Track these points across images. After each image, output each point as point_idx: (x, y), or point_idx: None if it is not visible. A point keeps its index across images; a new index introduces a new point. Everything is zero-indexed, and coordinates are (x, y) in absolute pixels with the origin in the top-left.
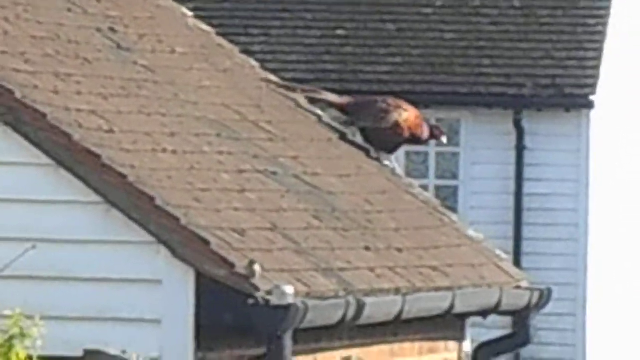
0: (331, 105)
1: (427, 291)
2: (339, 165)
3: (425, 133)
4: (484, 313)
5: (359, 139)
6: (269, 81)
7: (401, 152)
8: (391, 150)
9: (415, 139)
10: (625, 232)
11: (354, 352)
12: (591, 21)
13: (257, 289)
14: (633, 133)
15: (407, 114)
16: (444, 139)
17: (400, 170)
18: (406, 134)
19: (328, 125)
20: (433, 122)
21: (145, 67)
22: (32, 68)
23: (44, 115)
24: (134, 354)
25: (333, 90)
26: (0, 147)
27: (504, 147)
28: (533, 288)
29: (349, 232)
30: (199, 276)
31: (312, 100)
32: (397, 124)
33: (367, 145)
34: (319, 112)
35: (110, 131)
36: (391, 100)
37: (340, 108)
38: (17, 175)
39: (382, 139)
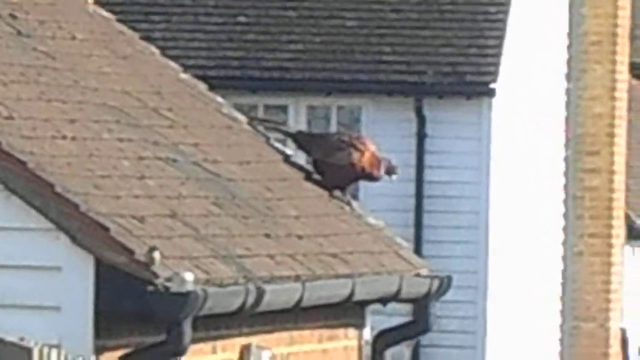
0: (283, 133)
1: (327, 278)
2: (239, 153)
3: (381, 171)
4: (384, 300)
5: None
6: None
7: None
8: (343, 187)
9: (369, 177)
10: (526, 220)
11: (253, 339)
12: (492, 9)
13: (156, 276)
14: (533, 121)
15: (358, 154)
16: (395, 177)
17: (355, 204)
18: (358, 173)
19: (228, 113)
20: (379, 154)
21: (46, 53)
22: None
23: None
24: (33, 340)
25: (234, 78)
26: None
27: (405, 134)
28: (433, 276)
29: (249, 219)
30: (99, 263)
31: (267, 127)
32: (349, 162)
33: (319, 179)
34: (219, 99)
35: (10, 117)
36: (346, 137)
37: (293, 138)
38: None
39: (332, 174)
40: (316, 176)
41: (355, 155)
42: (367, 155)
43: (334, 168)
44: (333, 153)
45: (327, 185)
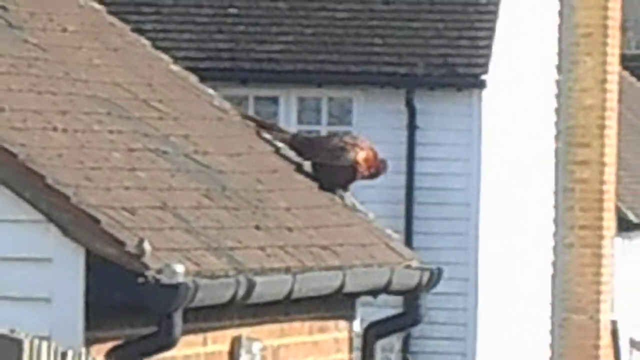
0: (281, 139)
1: (317, 270)
2: (229, 144)
3: (382, 168)
4: (374, 292)
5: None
6: (247, 117)
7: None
8: (344, 186)
9: (372, 176)
10: (516, 212)
11: (244, 331)
12: (483, 0)
13: (147, 267)
14: (524, 113)
15: (364, 153)
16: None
17: (357, 203)
18: (365, 172)
19: (219, 105)
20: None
21: (36, 45)
22: None
23: None
24: (23, 332)
25: (224, 69)
26: None
27: (396, 126)
28: (423, 268)
29: (239, 211)
30: (89, 255)
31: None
32: (355, 163)
33: (318, 179)
34: (210, 91)
35: (1, 109)
36: (348, 138)
37: (290, 144)
38: None
39: (336, 176)
40: (308, 171)
41: (361, 155)
42: (370, 154)
43: (339, 169)
44: (338, 155)
45: (328, 186)
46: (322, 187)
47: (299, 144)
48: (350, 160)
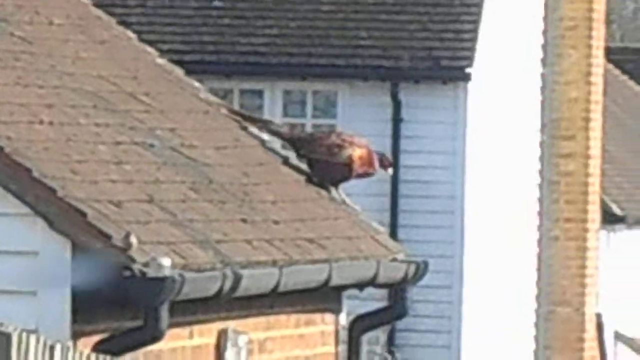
0: (278, 136)
1: (304, 263)
2: (216, 137)
3: (376, 166)
4: (360, 285)
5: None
6: (228, 110)
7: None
8: (339, 183)
9: (366, 175)
10: (501, 205)
11: (230, 324)
12: None
13: (133, 261)
14: (509, 106)
15: (360, 151)
16: (390, 170)
17: (345, 197)
18: (359, 170)
19: (205, 98)
20: (373, 149)
21: (22, 38)
22: None
23: None
24: (10, 326)
25: (209, 63)
26: None
27: (381, 119)
28: (409, 261)
29: (225, 204)
30: (76, 248)
31: (261, 128)
32: (350, 160)
33: (311, 176)
34: (196, 84)
35: None
36: (345, 136)
37: (289, 140)
38: None
39: (332, 173)
40: (294, 164)
41: (357, 153)
42: (365, 153)
43: (335, 166)
44: (335, 152)
45: (322, 182)
46: (312, 182)
47: (297, 139)
48: (347, 157)
